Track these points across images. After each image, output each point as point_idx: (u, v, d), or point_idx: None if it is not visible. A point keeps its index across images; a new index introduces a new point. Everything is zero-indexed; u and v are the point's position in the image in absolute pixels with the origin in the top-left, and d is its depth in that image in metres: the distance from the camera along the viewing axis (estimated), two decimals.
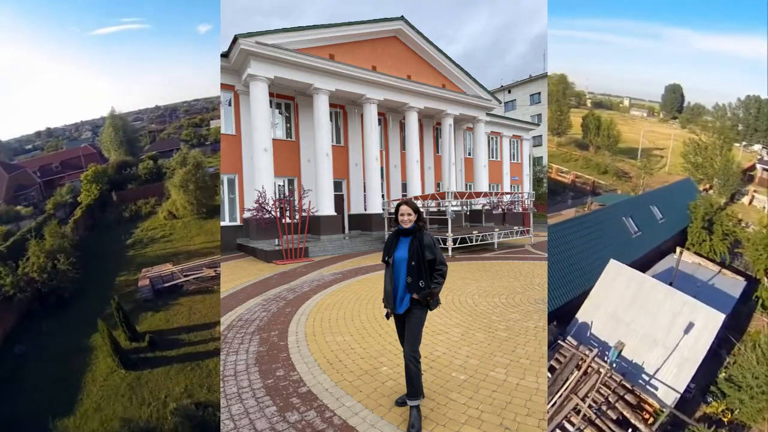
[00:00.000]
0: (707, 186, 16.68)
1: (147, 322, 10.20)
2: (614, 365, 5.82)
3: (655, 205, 11.95)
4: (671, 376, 5.64)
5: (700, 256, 11.26)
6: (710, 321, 5.87)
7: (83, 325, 9.80)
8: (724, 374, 6.71)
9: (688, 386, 5.67)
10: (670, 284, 7.15)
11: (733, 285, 9.66)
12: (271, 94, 18.02)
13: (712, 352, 7.09)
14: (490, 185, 28.22)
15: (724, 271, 10.26)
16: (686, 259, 10.34)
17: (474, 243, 16.14)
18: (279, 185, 19.20)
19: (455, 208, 20.09)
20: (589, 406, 5.01)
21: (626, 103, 34.14)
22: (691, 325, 5.91)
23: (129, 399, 7.71)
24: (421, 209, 5.84)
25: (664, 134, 25.69)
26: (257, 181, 16.71)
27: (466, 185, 27.66)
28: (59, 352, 9.46)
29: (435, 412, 3.49)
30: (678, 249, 10.43)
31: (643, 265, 9.65)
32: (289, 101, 20.00)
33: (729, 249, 11.64)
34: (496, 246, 16.81)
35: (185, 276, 11.46)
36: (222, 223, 17.81)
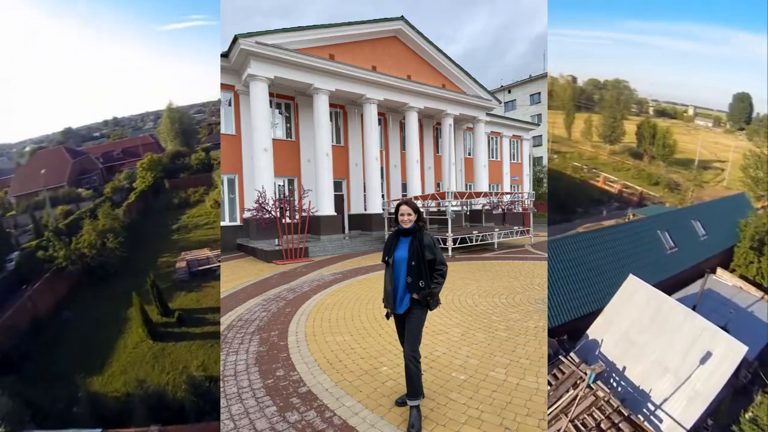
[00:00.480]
0: (767, 203, 15.28)
1: (180, 300, 11.06)
2: (619, 389, 5.51)
3: (699, 220, 10.92)
4: (679, 409, 5.10)
5: (745, 279, 10.28)
6: (731, 352, 5.20)
7: (123, 298, 10.44)
8: (750, 413, 6.08)
9: (705, 423, 5.18)
10: (694, 307, 6.58)
11: None
12: (271, 94, 18.03)
13: (741, 387, 6.59)
14: (490, 185, 28.25)
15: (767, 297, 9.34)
16: (726, 282, 9.56)
17: (474, 243, 16.15)
18: (279, 185, 19.21)
19: (455, 208, 20.10)
20: (577, 429, 4.80)
21: (691, 111, 32.42)
22: (708, 355, 5.30)
23: (152, 366, 8.67)
24: (421, 209, 5.83)
25: (730, 146, 23.87)
26: (257, 181, 16.72)
27: (466, 185, 27.68)
28: (99, 320, 10.54)
29: (435, 412, 3.49)
30: (717, 269, 9.67)
31: (676, 284, 9.13)
32: (289, 101, 20.01)
33: None
34: (496, 246, 16.81)
35: (219, 261, 12.34)
36: (222, 223, 17.83)
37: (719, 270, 9.46)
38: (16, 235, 19.22)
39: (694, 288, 9.28)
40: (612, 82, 29.27)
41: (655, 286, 6.91)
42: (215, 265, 12.17)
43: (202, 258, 12.45)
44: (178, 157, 22.61)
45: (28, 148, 44.33)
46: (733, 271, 10.44)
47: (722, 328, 6.82)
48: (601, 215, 16.24)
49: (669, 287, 8.16)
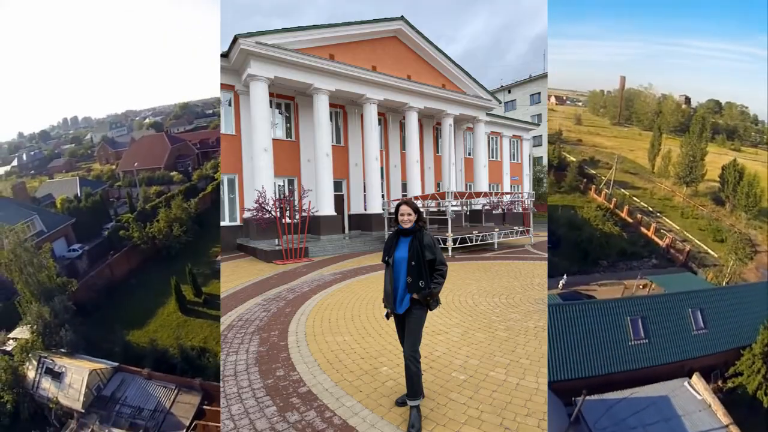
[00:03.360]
0: None
1: (212, 285, 13.68)
2: None
3: (702, 308, 8.73)
4: None
5: (733, 394, 8.17)
6: None
7: (175, 276, 13.13)
8: None
9: None
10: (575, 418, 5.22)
11: None
12: (271, 94, 18.02)
13: None
14: (490, 185, 28.23)
15: (732, 429, 7.05)
16: (696, 394, 7.37)
17: (474, 243, 16.14)
18: (279, 185, 19.20)
19: (455, 208, 20.09)
20: None
21: None
22: None
23: (173, 332, 11.82)
24: (421, 209, 5.82)
25: None
26: (257, 181, 16.72)
27: (466, 185, 27.67)
28: (153, 291, 13.66)
29: (435, 412, 3.49)
30: (695, 376, 7.46)
31: (645, 377, 7.67)
32: (289, 101, 20.01)
33: None
34: (496, 246, 16.81)
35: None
36: (222, 223, 17.85)
37: (695, 377, 7.56)
38: (116, 206, 23.42)
39: (654, 390, 7.34)
40: (706, 106, 23.83)
41: (611, 377, 6.17)
42: None
43: None
44: None
45: (147, 120, 46.24)
46: (734, 376, 8.39)
47: None
48: (624, 271, 13.64)
49: (634, 380, 7.19)
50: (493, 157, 30.81)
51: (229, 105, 18.47)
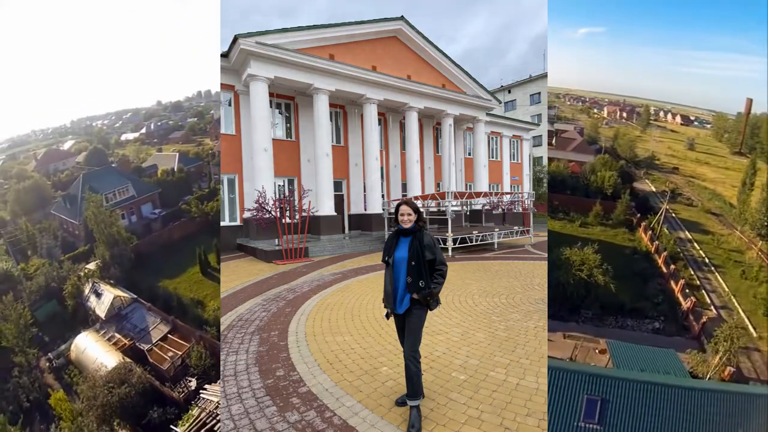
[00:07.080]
0: None
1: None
2: None
3: (602, 398, 6.44)
4: None
5: None
6: None
7: (203, 245, 16.91)
8: None
9: None
10: None
11: None
12: (271, 94, 18.01)
13: None
14: (490, 185, 28.23)
15: None
16: None
17: (474, 243, 16.14)
18: (279, 185, 19.19)
19: (455, 208, 20.09)
20: None
21: None
22: None
23: (193, 285, 15.75)
24: (421, 209, 5.81)
25: None
26: (257, 181, 16.71)
27: (466, 185, 27.66)
28: (192, 253, 16.76)
29: (435, 412, 3.49)
30: None
31: None
32: (289, 101, 20.00)
33: None
34: (496, 246, 16.81)
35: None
36: (222, 223, 17.85)
37: None
38: (201, 182, 26.81)
39: None
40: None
41: None
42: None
43: None
44: None
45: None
46: None
47: None
48: (610, 328, 10.94)
49: None
50: (493, 157, 30.80)
51: (229, 105, 18.47)
